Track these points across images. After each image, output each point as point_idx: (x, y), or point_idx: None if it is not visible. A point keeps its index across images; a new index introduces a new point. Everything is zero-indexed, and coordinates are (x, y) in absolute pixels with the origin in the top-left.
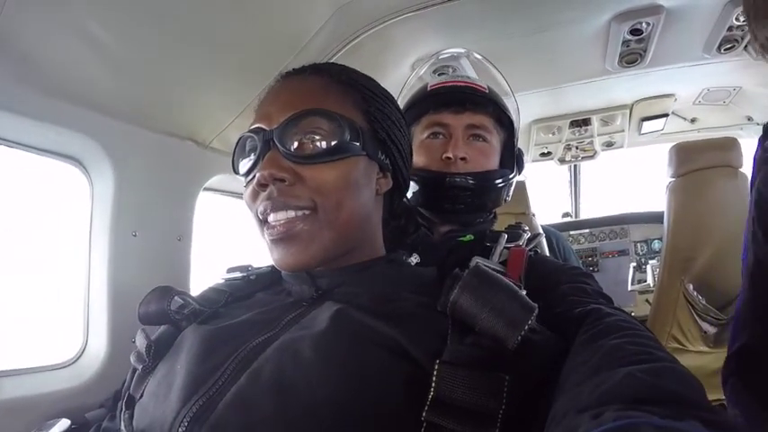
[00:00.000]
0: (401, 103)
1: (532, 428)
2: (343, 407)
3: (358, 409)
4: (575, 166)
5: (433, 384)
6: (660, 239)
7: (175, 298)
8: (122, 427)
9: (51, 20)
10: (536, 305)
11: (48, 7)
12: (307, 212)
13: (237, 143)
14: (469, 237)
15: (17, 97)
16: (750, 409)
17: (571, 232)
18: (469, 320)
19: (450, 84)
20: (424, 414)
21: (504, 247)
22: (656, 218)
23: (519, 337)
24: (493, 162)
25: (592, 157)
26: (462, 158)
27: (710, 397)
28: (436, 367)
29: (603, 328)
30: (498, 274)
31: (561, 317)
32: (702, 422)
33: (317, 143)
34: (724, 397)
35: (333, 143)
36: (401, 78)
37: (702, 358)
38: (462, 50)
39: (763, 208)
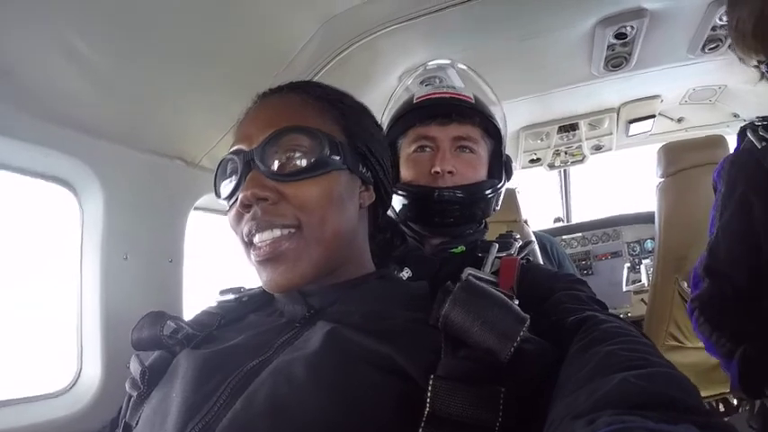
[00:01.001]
0: (388, 115)
1: None
2: (338, 427)
3: (352, 429)
4: (564, 170)
5: (428, 400)
6: (652, 239)
7: (168, 323)
8: None
9: (37, 39)
10: (527, 316)
11: (33, 26)
12: (292, 231)
13: (219, 166)
14: (461, 248)
15: (3, 118)
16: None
17: (563, 237)
18: (461, 335)
19: (435, 96)
20: (420, 430)
21: (496, 257)
22: (647, 218)
23: (512, 349)
24: (481, 173)
25: (581, 161)
26: (450, 172)
27: (711, 392)
28: (431, 383)
29: (598, 335)
30: (489, 286)
31: (556, 325)
32: (697, 426)
33: (298, 160)
34: (726, 391)
35: (313, 159)
36: (389, 90)
37: (701, 354)
38: (447, 61)
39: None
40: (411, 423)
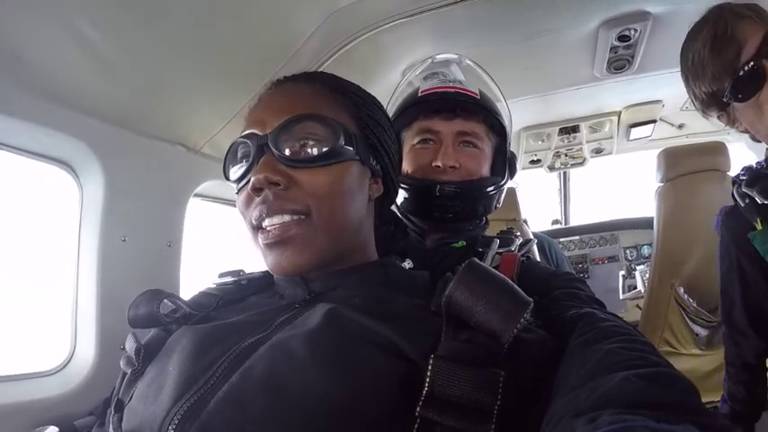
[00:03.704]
0: (392, 108)
1: (527, 425)
2: (336, 403)
3: (350, 406)
4: (564, 173)
5: (428, 379)
6: (649, 245)
7: (165, 301)
8: (111, 430)
9: (43, 21)
10: (531, 299)
11: (43, 10)
12: (302, 217)
13: (229, 149)
14: (462, 243)
15: (7, 98)
16: None
17: (561, 239)
18: (465, 315)
19: (441, 90)
20: (418, 410)
21: (497, 253)
22: (645, 223)
23: (515, 330)
24: (484, 169)
25: (581, 163)
26: (452, 167)
27: (704, 400)
28: (431, 362)
29: (598, 333)
30: (493, 269)
31: (555, 319)
32: (698, 427)
33: (312, 148)
34: (718, 399)
35: (327, 148)
36: (392, 84)
37: (695, 361)
38: (454, 56)
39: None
40: (409, 404)
